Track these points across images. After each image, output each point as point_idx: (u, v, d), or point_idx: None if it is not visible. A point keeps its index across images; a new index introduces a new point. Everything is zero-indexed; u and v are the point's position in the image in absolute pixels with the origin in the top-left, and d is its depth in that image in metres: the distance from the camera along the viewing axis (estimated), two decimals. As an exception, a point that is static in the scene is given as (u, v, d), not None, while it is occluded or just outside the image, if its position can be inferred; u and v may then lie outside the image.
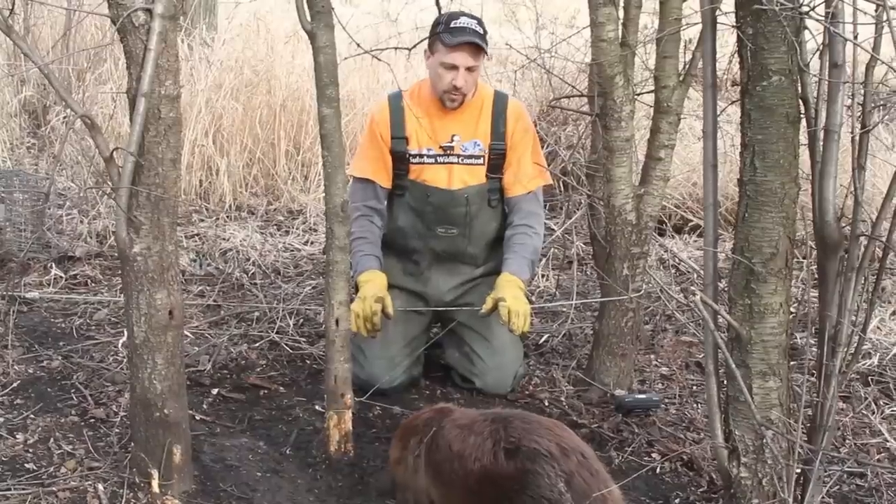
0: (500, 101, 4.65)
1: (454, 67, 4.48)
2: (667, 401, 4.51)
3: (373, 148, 4.64)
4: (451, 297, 4.72)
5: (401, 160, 4.63)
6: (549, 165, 6.99)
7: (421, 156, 4.65)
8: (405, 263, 4.77)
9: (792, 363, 3.54)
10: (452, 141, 4.62)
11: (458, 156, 4.63)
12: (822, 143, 2.95)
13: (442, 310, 4.70)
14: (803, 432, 3.11)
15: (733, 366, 2.96)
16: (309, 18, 3.54)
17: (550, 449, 3.04)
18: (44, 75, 3.27)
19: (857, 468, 3.97)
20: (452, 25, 4.47)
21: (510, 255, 4.57)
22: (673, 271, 6.09)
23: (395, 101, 4.65)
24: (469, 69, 4.49)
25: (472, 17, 4.55)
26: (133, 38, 3.21)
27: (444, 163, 4.64)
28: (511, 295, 4.36)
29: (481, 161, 4.63)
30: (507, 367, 4.61)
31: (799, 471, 3.11)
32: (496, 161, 4.62)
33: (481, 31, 4.49)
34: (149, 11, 3.18)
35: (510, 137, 4.61)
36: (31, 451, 3.82)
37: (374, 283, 4.46)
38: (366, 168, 4.63)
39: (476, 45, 4.45)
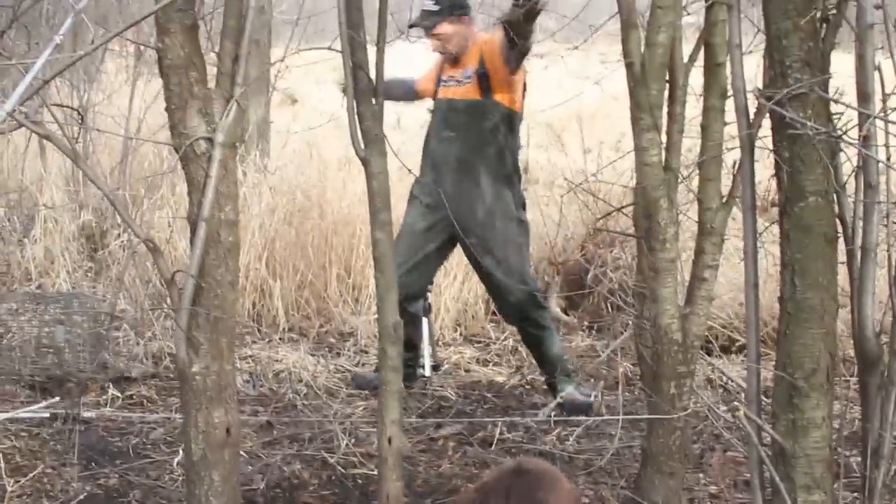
0: (482, 42, 5.89)
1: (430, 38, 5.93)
2: (716, 519, 4.53)
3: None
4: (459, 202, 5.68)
5: (437, 83, 6.08)
6: (596, 286, 7.11)
7: (443, 80, 6.01)
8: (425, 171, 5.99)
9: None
10: (455, 74, 5.98)
11: (459, 81, 5.92)
12: (859, 261, 3.04)
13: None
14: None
15: (778, 479, 3.01)
16: (363, 146, 3.66)
17: None
18: (109, 202, 3.43)
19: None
20: None
21: None
22: (720, 391, 6.11)
23: None
24: (435, 36, 5.88)
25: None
26: (194, 165, 3.36)
27: (452, 85, 5.95)
28: None
29: (472, 81, 5.86)
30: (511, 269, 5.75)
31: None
32: (484, 82, 5.83)
33: (434, 9, 5.87)
34: (210, 140, 3.33)
35: (487, 60, 5.81)
36: (88, 567, 3.91)
37: None
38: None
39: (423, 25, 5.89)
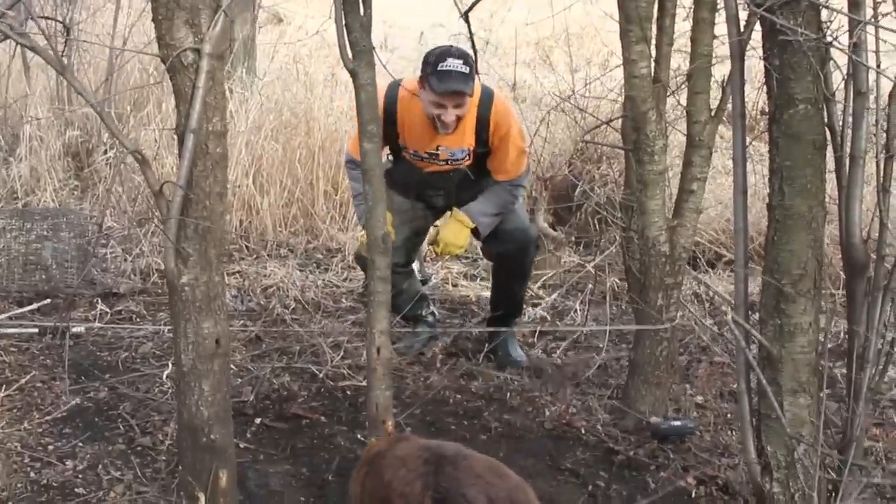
0: (483, 110, 5.01)
1: (443, 105, 4.84)
2: (701, 428, 4.57)
3: None
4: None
5: (393, 139, 5.11)
6: (584, 203, 7.12)
7: (413, 152, 5.12)
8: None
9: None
10: (437, 150, 5.09)
11: (445, 160, 5.11)
12: (847, 169, 3.05)
13: None
14: (832, 445, 3.19)
15: (765, 383, 3.04)
16: (351, 57, 3.63)
17: (478, 501, 2.94)
18: (96, 113, 3.40)
19: (890, 481, 4.01)
20: (440, 68, 4.79)
21: (480, 198, 5.15)
22: (707, 305, 6.15)
23: (392, 93, 5.02)
24: (457, 106, 4.83)
25: (460, 55, 4.82)
26: (182, 76, 3.33)
27: (429, 161, 5.13)
28: (448, 227, 5.13)
29: (467, 158, 5.11)
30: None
31: (832, 487, 3.18)
32: (480, 157, 5.11)
33: (467, 72, 4.77)
34: (197, 51, 3.30)
35: (492, 141, 5.06)
36: (80, 476, 3.96)
37: None
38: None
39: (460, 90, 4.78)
